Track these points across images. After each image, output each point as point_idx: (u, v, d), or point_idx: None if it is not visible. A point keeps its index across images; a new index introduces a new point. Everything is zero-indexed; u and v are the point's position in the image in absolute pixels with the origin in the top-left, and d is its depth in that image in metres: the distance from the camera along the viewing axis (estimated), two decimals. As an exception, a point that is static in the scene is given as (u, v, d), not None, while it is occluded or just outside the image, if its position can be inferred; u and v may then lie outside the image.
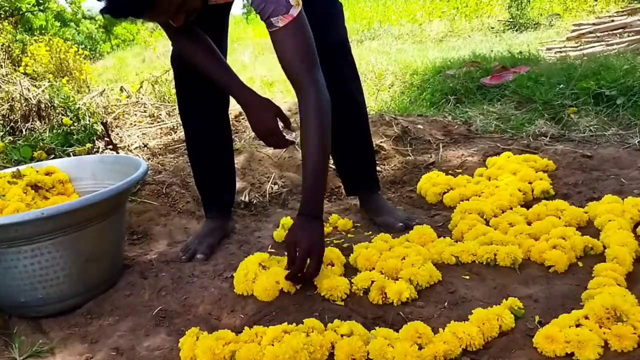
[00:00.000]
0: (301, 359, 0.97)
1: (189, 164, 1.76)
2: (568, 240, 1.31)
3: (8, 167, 1.71)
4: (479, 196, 1.75)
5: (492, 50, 4.70)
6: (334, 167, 2.18)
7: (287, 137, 1.39)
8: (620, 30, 5.25)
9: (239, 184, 2.07)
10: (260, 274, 1.27)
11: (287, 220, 1.61)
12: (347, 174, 1.75)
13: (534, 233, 1.40)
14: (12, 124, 2.82)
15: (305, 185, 1.24)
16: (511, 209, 1.61)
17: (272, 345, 1.00)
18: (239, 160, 2.21)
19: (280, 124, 1.37)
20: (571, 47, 5.12)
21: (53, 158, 2.23)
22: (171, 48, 1.52)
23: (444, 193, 1.83)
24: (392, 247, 1.38)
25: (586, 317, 1.00)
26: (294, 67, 1.22)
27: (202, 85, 1.47)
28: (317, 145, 1.21)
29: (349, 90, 1.58)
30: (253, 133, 2.75)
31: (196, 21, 1.25)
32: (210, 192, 1.69)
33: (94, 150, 2.52)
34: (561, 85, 2.88)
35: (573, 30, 5.83)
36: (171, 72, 3.61)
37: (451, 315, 1.12)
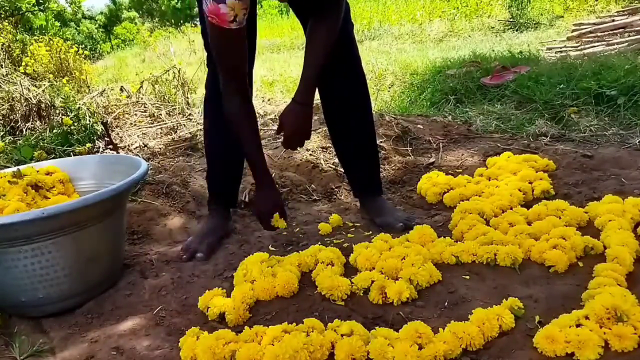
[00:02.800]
0: (301, 358, 0.97)
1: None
2: (568, 240, 1.31)
3: (8, 167, 1.71)
4: (479, 196, 1.75)
5: (492, 50, 4.70)
6: (334, 167, 2.19)
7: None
8: (621, 30, 5.25)
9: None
10: (261, 276, 1.27)
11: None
12: (352, 176, 1.79)
13: (534, 233, 1.39)
14: (12, 123, 2.83)
15: (305, 76, 1.42)
16: (511, 209, 1.61)
17: (272, 345, 1.00)
18: (239, 160, 2.21)
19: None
20: (572, 46, 5.11)
21: (53, 158, 2.23)
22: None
23: (444, 193, 1.83)
24: (392, 247, 1.38)
25: (586, 317, 1.00)
26: None
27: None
28: (326, 48, 1.42)
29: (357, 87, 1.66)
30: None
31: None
32: (220, 182, 1.71)
33: (94, 150, 2.52)
34: (561, 85, 2.87)
35: (573, 30, 5.83)
36: (171, 72, 3.65)
37: (451, 315, 1.12)
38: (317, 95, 1.61)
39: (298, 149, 1.54)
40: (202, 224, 1.72)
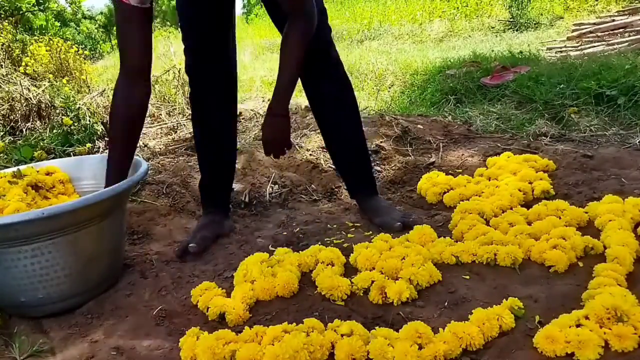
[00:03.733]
0: (301, 358, 0.97)
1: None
2: (568, 240, 1.31)
3: (8, 167, 1.71)
4: (479, 196, 1.75)
5: (492, 50, 4.70)
6: (334, 167, 2.19)
7: None
8: (621, 30, 5.25)
9: (239, 185, 2.07)
10: (261, 276, 1.27)
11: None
12: (345, 177, 1.79)
13: (534, 233, 1.39)
14: (12, 123, 2.83)
15: (278, 85, 1.40)
16: (511, 209, 1.61)
17: (272, 345, 1.00)
18: (239, 161, 2.21)
19: None
20: (572, 46, 5.12)
21: (53, 158, 2.23)
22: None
23: (444, 193, 1.83)
24: (392, 247, 1.38)
25: (586, 317, 1.00)
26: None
27: (217, 73, 1.54)
28: (297, 57, 1.37)
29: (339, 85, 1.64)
30: (253, 133, 2.78)
31: (206, 11, 1.24)
32: (210, 183, 1.71)
33: (94, 150, 2.52)
34: (562, 85, 2.87)
35: (574, 30, 5.84)
36: (171, 72, 3.65)
37: (451, 315, 1.12)
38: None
39: (288, 153, 1.54)
40: (198, 221, 1.73)
